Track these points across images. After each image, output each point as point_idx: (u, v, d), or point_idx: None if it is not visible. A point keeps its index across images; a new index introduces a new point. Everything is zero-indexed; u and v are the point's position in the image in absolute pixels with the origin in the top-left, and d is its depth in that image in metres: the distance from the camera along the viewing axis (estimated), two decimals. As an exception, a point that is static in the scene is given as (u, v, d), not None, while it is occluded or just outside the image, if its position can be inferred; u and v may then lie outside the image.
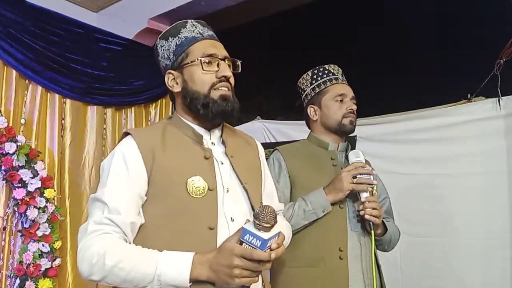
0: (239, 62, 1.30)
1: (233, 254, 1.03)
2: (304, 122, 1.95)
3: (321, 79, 1.84)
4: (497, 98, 2.46)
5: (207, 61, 1.24)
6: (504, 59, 2.45)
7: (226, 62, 1.27)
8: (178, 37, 1.27)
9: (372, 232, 1.65)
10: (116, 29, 3.15)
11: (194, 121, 1.29)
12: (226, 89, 1.25)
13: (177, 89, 1.28)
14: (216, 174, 1.22)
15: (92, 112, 3.00)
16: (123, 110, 3.20)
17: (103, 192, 1.14)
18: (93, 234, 1.09)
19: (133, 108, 3.23)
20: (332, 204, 1.66)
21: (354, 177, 1.64)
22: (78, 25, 2.93)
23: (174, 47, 1.28)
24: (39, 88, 2.74)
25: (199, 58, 1.24)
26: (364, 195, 1.65)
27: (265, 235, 1.02)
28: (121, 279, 1.07)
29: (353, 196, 1.70)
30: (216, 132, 1.32)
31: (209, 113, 1.23)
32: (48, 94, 2.80)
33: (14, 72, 2.63)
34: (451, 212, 2.57)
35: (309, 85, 1.87)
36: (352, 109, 1.79)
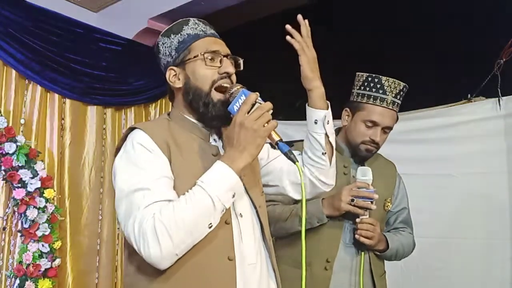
0: (241, 61, 1.31)
1: (239, 119, 1.10)
2: (303, 122, 1.94)
3: (369, 90, 1.72)
4: (497, 98, 2.47)
5: (210, 57, 1.23)
6: (504, 59, 2.46)
7: (229, 59, 1.27)
8: (181, 34, 1.27)
9: (363, 253, 1.68)
10: (116, 29, 3.15)
11: (196, 119, 1.28)
12: (227, 86, 1.23)
13: (178, 84, 1.27)
14: None
15: (92, 112, 3.00)
16: (123, 110, 3.19)
17: (139, 181, 1.10)
18: (143, 222, 1.05)
19: (133, 108, 3.23)
20: (328, 217, 1.66)
21: (353, 199, 1.62)
22: (78, 25, 2.93)
23: (177, 44, 1.27)
24: (39, 88, 2.74)
25: (202, 53, 1.24)
26: (360, 216, 1.65)
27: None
28: (187, 229, 1.05)
29: None
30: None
31: (208, 113, 1.23)
32: (48, 94, 2.79)
33: (14, 72, 2.62)
34: (451, 212, 2.57)
35: (357, 88, 1.78)
36: (374, 139, 1.70)
